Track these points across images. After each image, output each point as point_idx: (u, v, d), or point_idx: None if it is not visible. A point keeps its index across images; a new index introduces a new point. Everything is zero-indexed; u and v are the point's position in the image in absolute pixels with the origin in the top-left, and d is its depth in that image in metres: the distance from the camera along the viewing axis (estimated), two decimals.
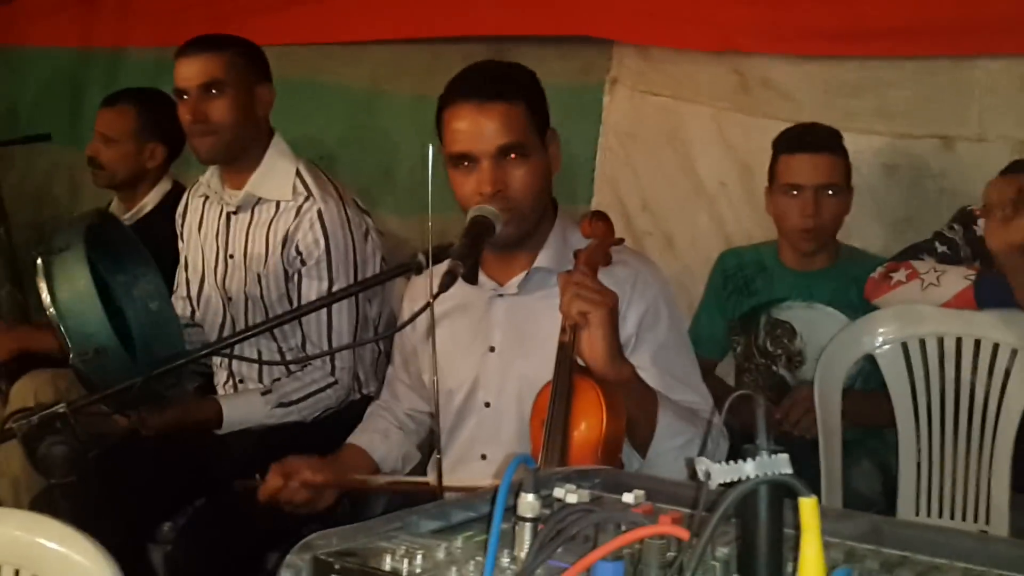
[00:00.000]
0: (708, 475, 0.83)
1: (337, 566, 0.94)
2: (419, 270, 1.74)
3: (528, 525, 0.96)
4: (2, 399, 3.01)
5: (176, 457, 2.43)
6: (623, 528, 0.87)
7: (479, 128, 1.87)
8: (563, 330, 1.75)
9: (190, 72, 2.50)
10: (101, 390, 1.99)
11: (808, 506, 0.79)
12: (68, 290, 1.97)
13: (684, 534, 0.84)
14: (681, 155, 3.12)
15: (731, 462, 0.83)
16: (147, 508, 2.43)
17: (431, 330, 1.76)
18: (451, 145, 1.92)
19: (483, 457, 2.05)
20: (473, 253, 1.76)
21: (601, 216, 1.89)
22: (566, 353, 1.72)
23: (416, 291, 2.15)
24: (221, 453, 2.48)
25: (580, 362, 1.73)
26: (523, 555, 0.95)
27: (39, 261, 1.98)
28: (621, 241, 1.91)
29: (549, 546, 0.90)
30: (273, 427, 2.49)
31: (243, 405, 2.48)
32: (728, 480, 0.83)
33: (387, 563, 0.94)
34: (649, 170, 3.17)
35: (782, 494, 0.84)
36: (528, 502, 0.96)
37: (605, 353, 1.68)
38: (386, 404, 2.31)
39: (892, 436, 2.39)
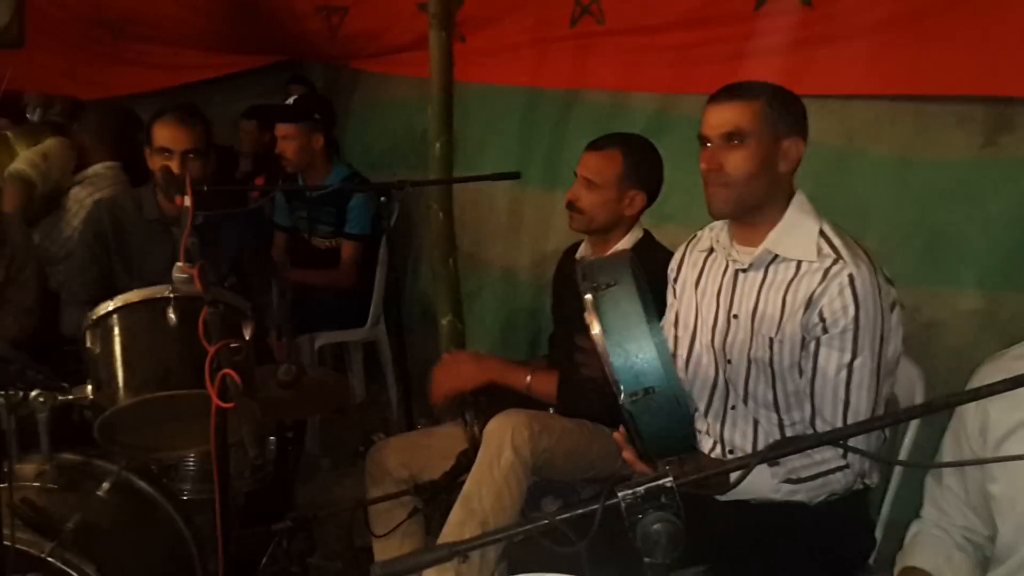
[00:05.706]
0: None
1: None
2: None
3: None
4: (468, 431, 3.03)
5: None
6: None
7: None
8: None
9: (715, 120, 2.39)
10: (645, 436, 1.88)
11: None
12: (618, 326, 1.85)
13: None
14: None
15: None
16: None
17: None
18: None
19: None
20: None
21: None
22: None
23: None
24: (715, 520, 2.33)
25: None
26: None
27: (588, 296, 1.89)
28: None
29: None
30: (772, 504, 2.31)
31: (751, 474, 2.30)
32: None
33: None
34: None
35: None
36: None
37: None
38: (934, 522, 2.06)
39: None
